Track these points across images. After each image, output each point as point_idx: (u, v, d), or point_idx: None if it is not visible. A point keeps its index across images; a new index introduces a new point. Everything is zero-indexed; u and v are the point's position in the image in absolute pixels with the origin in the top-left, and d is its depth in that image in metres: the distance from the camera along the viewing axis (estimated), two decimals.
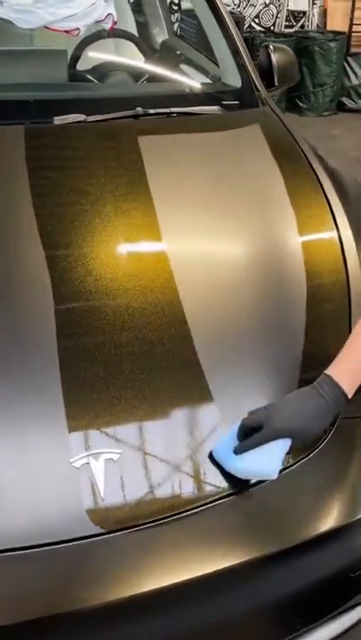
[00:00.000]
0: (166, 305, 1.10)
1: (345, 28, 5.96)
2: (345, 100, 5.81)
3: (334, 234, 1.33)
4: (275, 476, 0.91)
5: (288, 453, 0.92)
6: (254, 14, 6.00)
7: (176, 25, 4.79)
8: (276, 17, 6.08)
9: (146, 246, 1.26)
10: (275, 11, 6.06)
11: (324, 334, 1.15)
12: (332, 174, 1.54)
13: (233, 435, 0.93)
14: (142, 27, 2.67)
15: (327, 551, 0.99)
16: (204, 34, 2.06)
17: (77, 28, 1.68)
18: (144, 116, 1.57)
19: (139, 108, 1.56)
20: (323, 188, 1.44)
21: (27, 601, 0.80)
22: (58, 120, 1.48)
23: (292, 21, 6.14)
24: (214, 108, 1.67)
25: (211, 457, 0.94)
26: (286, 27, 6.11)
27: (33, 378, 0.97)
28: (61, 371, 0.97)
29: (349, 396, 0.92)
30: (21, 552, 0.82)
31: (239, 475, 0.92)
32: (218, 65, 1.98)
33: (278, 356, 1.09)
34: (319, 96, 5.60)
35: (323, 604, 1.05)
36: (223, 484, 0.93)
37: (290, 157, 1.54)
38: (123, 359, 1.01)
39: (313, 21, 6.21)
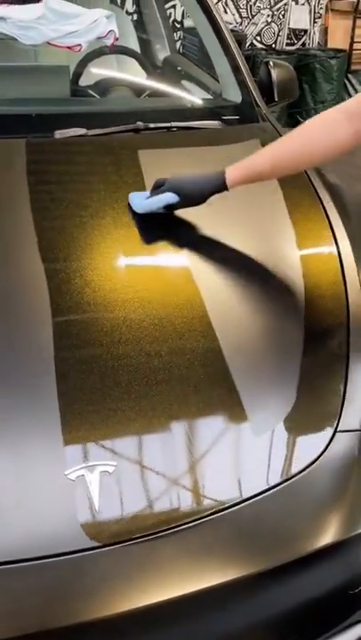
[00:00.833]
0: (164, 317, 1.10)
1: (346, 46, 6.04)
2: None
3: (333, 248, 1.33)
4: (155, 208, 1.28)
5: (175, 206, 1.28)
6: (256, 32, 6.08)
7: (179, 43, 4.86)
8: (278, 35, 6.16)
9: (144, 259, 1.26)
10: (276, 29, 6.14)
11: (322, 349, 1.15)
12: (332, 188, 1.54)
13: (147, 192, 1.31)
14: (145, 44, 2.71)
15: (325, 567, 0.98)
16: (206, 51, 2.09)
17: (79, 44, 1.70)
18: (145, 130, 1.58)
19: (139, 123, 1.58)
20: (322, 203, 1.44)
21: (20, 615, 0.79)
22: (59, 134, 1.50)
23: (294, 39, 6.21)
24: (214, 123, 1.69)
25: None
26: (288, 44, 6.18)
27: (29, 389, 0.96)
28: (58, 382, 0.97)
29: (228, 187, 1.24)
30: (15, 565, 0.81)
31: (137, 209, 1.30)
32: (218, 81, 2.00)
33: (274, 369, 1.08)
34: (320, 112, 5.64)
35: (321, 621, 1.03)
36: (219, 497, 0.92)
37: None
38: (120, 371, 1.01)
39: (314, 39, 6.28)
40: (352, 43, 6.08)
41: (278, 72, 2.01)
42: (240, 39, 5.26)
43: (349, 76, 5.78)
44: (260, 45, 6.05)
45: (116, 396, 0.98)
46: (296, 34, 6.21)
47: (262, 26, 6.07)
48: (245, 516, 0.92)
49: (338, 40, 6.17)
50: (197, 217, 1.34)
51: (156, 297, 1.13)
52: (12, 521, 0.84)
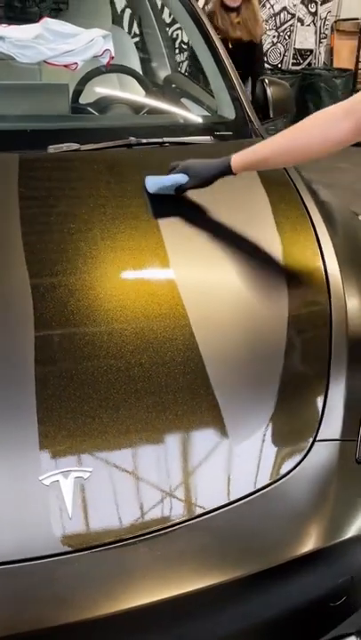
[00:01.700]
0: (145, 327, 1.12)
1: (352, 66, 6.11)
2: None
3: (320, 262, 1.32)
4: (167, 185, 1.40)
5: (183, 186, 1.40)
6: None
7: (186, 63, 4.94)
8: (284, 55, 6.25)
9: (128, 271, 1.27)
10: (282, 49, 6.23)
11: (304, 359, 1.15)
12: (323, 205, 1.55)
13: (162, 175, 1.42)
14: (146, 62, 2.76)
15: (303, 577, 0.97)
16: (203, 69, 2.14)
17: (75, 63, 1.75)
18: (137, 145, 1.61)
19: (132, 138, 1.61)
20: (311, 219, 1.45)
21: None
22: (52, 149, 1.53)
23: (300, 59, 6.30)
24: (206, 139, 1.71)
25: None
26: (294, 64, 6.27)
27: (8, 396, 0.98)
28: (37, 390, 0.98)
29: (233, 172, 1.35)
30: None
31: (149, 189, 1.42)
32: (214, 98, 2.04)
33: (254, 379, 1.09)
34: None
35: (301, 634, 1.02)
36: (194, 505, 0.92)
37: (278, 187, 1.57)
38: (99, 380, 1.02)
39: (320, 59, 6.37)
40: (357, 62, 6.16)
41: (274, 90, 2.04)
42: None
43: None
44: (266, 65, 6.14)
45: (95, 403, 0.99)
46: (302, 54, 6.30)
47: (268, 46, 6.16)
48: (220, 523, 0.91)
49: (343, 60, 6.25)
50: (185, 227, 1.36)
51: (137, 308, 1.15)
52: None
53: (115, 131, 1.67)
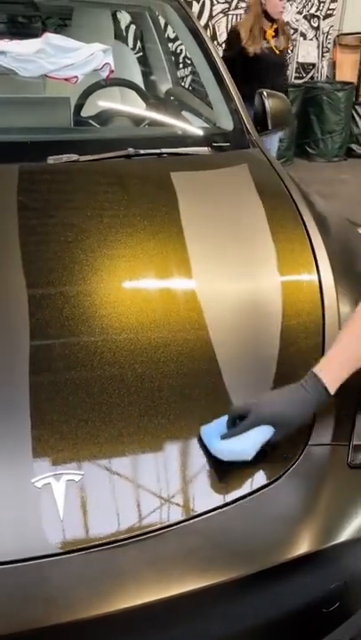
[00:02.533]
0: (139, 333, 1.13)
1: (354, 79, 6.16)
2: (354, 146, 5.96)
3: (315, 276, 1.32)
4: (249, 456, 0.97)
5: (271, 442, 0.99)
6: None
7: (190, 77, 5.01)
8: (287, 69, 6.31)
9: (127, 282, 1.28)
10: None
11: (297, 365, 1.16)
12: (319, 216, 1.56)
13: (222, 421, 1.00)
14: (148, 77, 2.81)
15: (294, 581, 0.97)
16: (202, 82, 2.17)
17: (76, 76, 1.78)
18: (136, 156, 1.64)
19: (130, 149, 1.63)
20: (306, 230, 1.45)
21: None
22: (52, 159, 1.56)
23: (302, 73, 6.36)
24: (204, 149, 1.74)
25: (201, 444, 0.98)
26: (296, 78, 6.32)
27: (2, 400, 0.99)
28: (31, 394, 1.00)
29: (331, 392, 1.00)
30: None
31: (219, 455, 0.98)
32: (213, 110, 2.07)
33: (247, 383, 1.10)
34: (328, 143, 5.74)
35: None
36: (184, 508, 0.93)
37: (275, 197, 1.58)
38: (92, 385, 1.04)
39: (322, 73, 6.42)
40: (360, 75, 6.20)
41: (272, 102, 2.07)
42: None
43: (357, 107, 5.89)
44: None
45: (88, 408, 1.00)
46: (305, 67, 6.36)
47: None
48: (210, 526, 0.92)
49: (346, 73, 6.30)
50: (180, 238, 1.37)
51: (131, 317, 1.16)
52: None
53: (114, 142, 1.70)
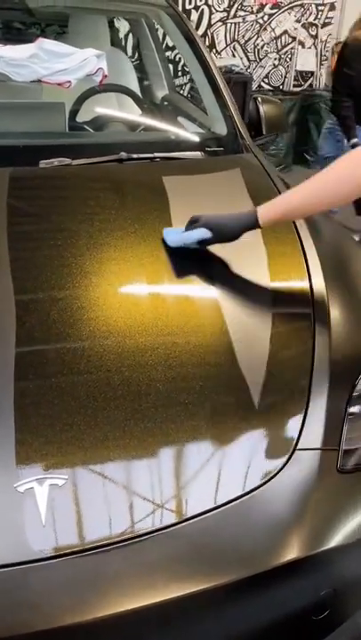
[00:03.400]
0: (127, 337, 1.12)
1: None
2: None
3: (306, 281, 1.31)
4: (188, 242, 1.32)
5: (208, 240, 1.32)
6: (264, 75, 6.27)
7: (188, 85, 5.03)
8: (285, 77, 6.33)
9: (115, 286, 1.26)
10: (283, 71, 6.32)
11: (286, 369, 1.15)
12: (311, 219, 1.55)
13: (182, 227, 1.35)
14: (144, 83, 2.81)
15: (282, 588, 0.96)
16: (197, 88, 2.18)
17: (69, 81, 1.78)
18: (128, 160, 1.63)
19: (123, 153, 1.63)
20: (298, 234, 1.44)
21: None
22: (43, 164, 1.56)
23: (301, 81, 6.38)
24: (197, 154, 1.73)
25: None
26: (295, 86, 6.35)
27: None
28: (15, 398, 0.99)
29: (260, 224, 1.28)
30: None
31: (170, 243, 1.34)
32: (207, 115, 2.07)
33: (235, 386, 1.09)
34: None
35: None
36: (170, 513, 0.92)
37: (267, 201, 1.57)
38: (78, 387, 1.03)
39: (321, 81, 6.44)
40: None
41: (266, 107, 2.08)
42: (246, 81, 5.42)
43: None
44: (267, 87, 6.22)
45: (73, 411, 0.99)
46: (303, 76, 6.38)
47: (270, 68, 6.26)
48: (195, 532, 0.91)
49: None
50: (174, 249, 1.35)
51: (119, 321, 1.15)
52: None
53: (106, 146, 1.70)
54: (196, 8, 5.69)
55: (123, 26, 3.70)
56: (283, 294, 1.31)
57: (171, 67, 4.80)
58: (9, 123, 1.85)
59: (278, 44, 6.16)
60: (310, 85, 6.40)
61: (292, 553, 0.93)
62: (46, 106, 2.04)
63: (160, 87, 2.79)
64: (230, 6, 5.80)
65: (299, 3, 6.02)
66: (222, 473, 0.97)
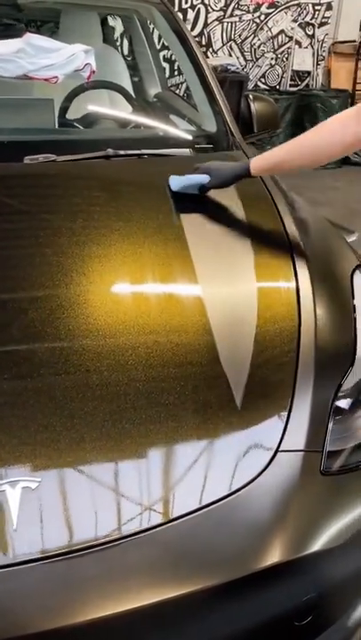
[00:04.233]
0: (107, 335, 1.10)
1: (349, 87, 6.17)
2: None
3: (292, 281, 1.28)
4: (189, 184, 1.48)
5: (206, 185, 1.48)
6: (260, 74, 6.25)
7: (185, 85, 5.01)
8: (282, 77, 6.32)
9: (96, 284, 1.24)
10: (280, 71, 6.31)
11: (270, 369, 1.12)
12: (300, 218, 1.53)
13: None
14: (136, 80, 2.79)
15: (264, 593, 0.93)
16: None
17: (56, 77, 1.76)
18: (115, 157, 1.61)
19: (109, 150, 1.61)
20: (286, 232, 1.42)
21: None
22: (28, 160, 1.53)
23: (297, 81, 6.37)
24: (185, 151, 1.71)
25: None
26: (291, 86, 6.33)
27: None
28: None
29: (252, 172, 1.43)
30: None
31: (173, 187, 1.50)
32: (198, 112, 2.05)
33: (217, 386, 1.06)
34: None
35: None
36: (146, 517, 0.89)
37: (255, 199, 1.55)
38: (55, 388, 1.00)
39: (318, 81, 6.43)
40: (355, 84, 6.21)
41: (258, 105, 2.05)
42: (242, 80, 5.40)
43: None
44: (263, 87, 6.21)
45: (49, 412, 0.96)
46: (300, 75, 6.37)
47: (266, 68, 6.25)
48: (174, 536, 0.88)
49: (341, 81, 6.31)
50: (156, 240, 1.33)
51: (99, 318, 1.13)
52: None
53: (93, 143, 1.68)
54: (193, 7, 5.68)
55: (118, 25, 3.68)
56: (268, 293, 1.29)
57: (167, 66, 4.80)
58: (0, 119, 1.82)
59: (275, 43, 6.15)
60: (307, 85, 6.39)
61: (272, 557, 0.90)
62: (35, 102, 2.01)
63: (153, 85, 2.76)
64: (227, 5, 5.79)
65: (295, 2, 6.01)
66: (202, 475, 0.95)
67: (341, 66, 6.32)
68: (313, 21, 6.17)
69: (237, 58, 6.04)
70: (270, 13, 5.97)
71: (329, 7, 6.14)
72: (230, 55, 6.03)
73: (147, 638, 0.85)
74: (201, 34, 5.79)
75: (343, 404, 1.11)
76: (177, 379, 1.05)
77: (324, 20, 6.19)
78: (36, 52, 1.76)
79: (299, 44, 6.23)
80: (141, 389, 1.02)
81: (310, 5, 6.08)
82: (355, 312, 1.25)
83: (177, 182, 1.49)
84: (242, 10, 5.86)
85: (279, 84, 6.33)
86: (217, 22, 5.83)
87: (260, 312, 1.21)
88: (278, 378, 1.10)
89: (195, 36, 5.61)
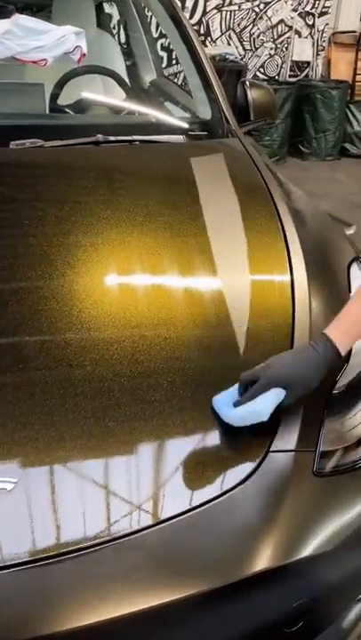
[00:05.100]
0: (91, 330, 1.05)
1: (349, 78, 6.09)
2: (348, 145, 5.88)
3: (287, 273, 1.24)
4: (265, 417, 0.94)
5: (283, 404, 0.96)
6: (259, 64, 6.16)
7: (183, 74, 4.93)
8: (281, 67, 6.23)
9: (81, 275, 1.18)
10: (279, 61, 6.22)
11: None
12: (295, 208, 1.48)
13: (234, 391, 0.98)
14: (131, 67, 2.73)
15: (253, 600, 0.89)
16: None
17: (45, 59, 1.69)
18: (105, 143, 1.55)
19: (99, 135, 1.55)
20: (281, 222, 1.37)
21: None
22: (14, 144, 1.47)
23: (297, 71, 6.28)
24: (178, 138, 1.66)
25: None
26: (291, 76, 6.24)
27: None
28: None
29: (342, 353, 0.98)
30: None
31: (234, 422, 0.95)
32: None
33: (203, 385, 1.01)
34: (322, 142, 5.67)
35: None
36: (129, 520, 0.84)
37: (249, 188, 1.50)
38: (35, 384, 0.95)
39: (317, 71, 6.35)
40: (355, 74, 6.13)
41: (255, 93, 2.00)
42: (240, 70, 5.32)
43: (351, 106, 5.81)
44: (262, 77, 6.12)
45: (28, 409, 0.91)
46: (299, 66, 6.28)
47: (265, 58, 6.15)
48: (157, 541, 0.83)
49: (341, 72, 6.23)
50: (146, 233, 1.28)
51: (83, 310, 1.08)
52: None
53: (83, 128, 1.62)
54: None
55: (115, 12, 3.61)
56: (261, 286, 1.24)
57: (166, 54, 4.72)
58: None
59: (274, 33, 6.05)
60: (306, 76, 6.31)
61: (261, 563, 0.86)
62: (24, 87, 1.95)
63: (148, 71, 2.70)
64: None
65: None
66: (188, 477, 0.90)
67: (342, 56, 6.23)
68: (313, 11, 6.07)
69: (236, 47, 5.95)
70: (270, 2, 5.88)
71: None
72: (229, 44, 5.94)
73: None
74: (199, 22, 5.70)
75: (338, 401, 1.07)
76: (164, 374, 1.00)
77: (324, 10, 6.09)
78: (25, 34, 1.70)
79: (298, 33, 6.14)
80: (126, 385, 0.97)
81: None
82: None
83: (237, 415, 0.95)
84: None
85: (278, 74, 6.24)
86: (216, 11, 5.74)
87: (252, 306, 1.16)
88: None
89: (193, 25, 5.53)
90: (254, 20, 5.90)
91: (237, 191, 1.46)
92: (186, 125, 1.74)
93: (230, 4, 5.76)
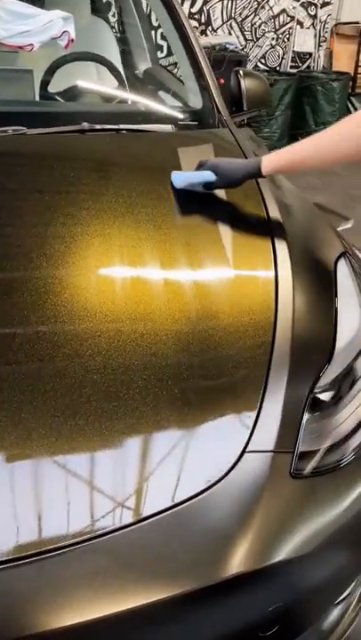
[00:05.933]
0: (65, 323, 1.01)
1: (351, 70, 6.02)
2: None
3: (271, 267, 1.20)
4: (196, 180, 1.35)
5: (212, 185, 1.34)
6: (260, 55, 6.09)
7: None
8: (282, 58, 6.16)
9: (61, 267, 1.15)
10: (281, 52, 6.14)
11: (241, 368, 1.04)
12: (283, 200, 1.44)
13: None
14: (125, 54, 2.68)
15: (226, 603, 0.86)
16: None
17: (31, 44, 1.65)
18: (90, 131, 1.51)
19: (85, 123, 1.51)
20: (268, 215, 1.34)
21: None
22: None
23: (298, 62, 6.20)
24: (167, 127, 1.62)
25: None
26: (292, 67, 6.17)
27: None
28: None
29: (263, 172, 1.31)
30: None
31: (176, 184, 1.36)
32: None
33: (180, 385, 0.98)
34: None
35: None
36: (95, 522, 0.81)
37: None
38: (1, 379, 0.92)
39: (319, 62, 6.27)
40: (357, 66, 6.06)
41: (249, 82, 1.95)
42: (240, 60, 5.25)
43: (352, 98, 5.75)
44: (263, 67, 6.05)
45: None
46: (301, 57, 6.21)
47: (267, 49, 6.08)
48: (126, 543, 0.81)
49: (343, 63, 6.16)
50: (129, 225, 1.24)
51: (58, 302, 1.05)
52: None
53: (68, 116, 1.58)
54: None
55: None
56: (244, 282, 1.20)
57: (164, 44, 4.65)
58: None
59: (276, 23, 5.97)
60: (308, 67, 6.24)
61: (235, 567, 0.83)
62: (12, 73, 1.91)
63: (142, 59, 2.65)
64: None
65: None
66: (160, 477, 0.87)
67: (344, 48, 6.16)
68: (315, 1, 5.99)
69: (237, 37, 5.88)
70: None
71: None
72: (230, 34, 5.86)
73: None
74: (200, 11, 5.62)
75: (319, 400, 1.04)
76: (139, 370, 0.97)
77: (326, 0, 6.01)
78: (12, 18, 1.66)
79: (300, 24, 6.06)
80: (99, 381, 0.94)
81: None
82: (336, 301, 1.17)
83: (180, 179, 1.35)
84: None
85: (280, 65, 6.17)
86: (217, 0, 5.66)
87: (234, 302, 1.13)
88: (249, 372, 1.02)
89: (194, 14, 5.46)
90: (256, 9, 5.82)
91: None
92: (175, 115, 1.71)
93: None
